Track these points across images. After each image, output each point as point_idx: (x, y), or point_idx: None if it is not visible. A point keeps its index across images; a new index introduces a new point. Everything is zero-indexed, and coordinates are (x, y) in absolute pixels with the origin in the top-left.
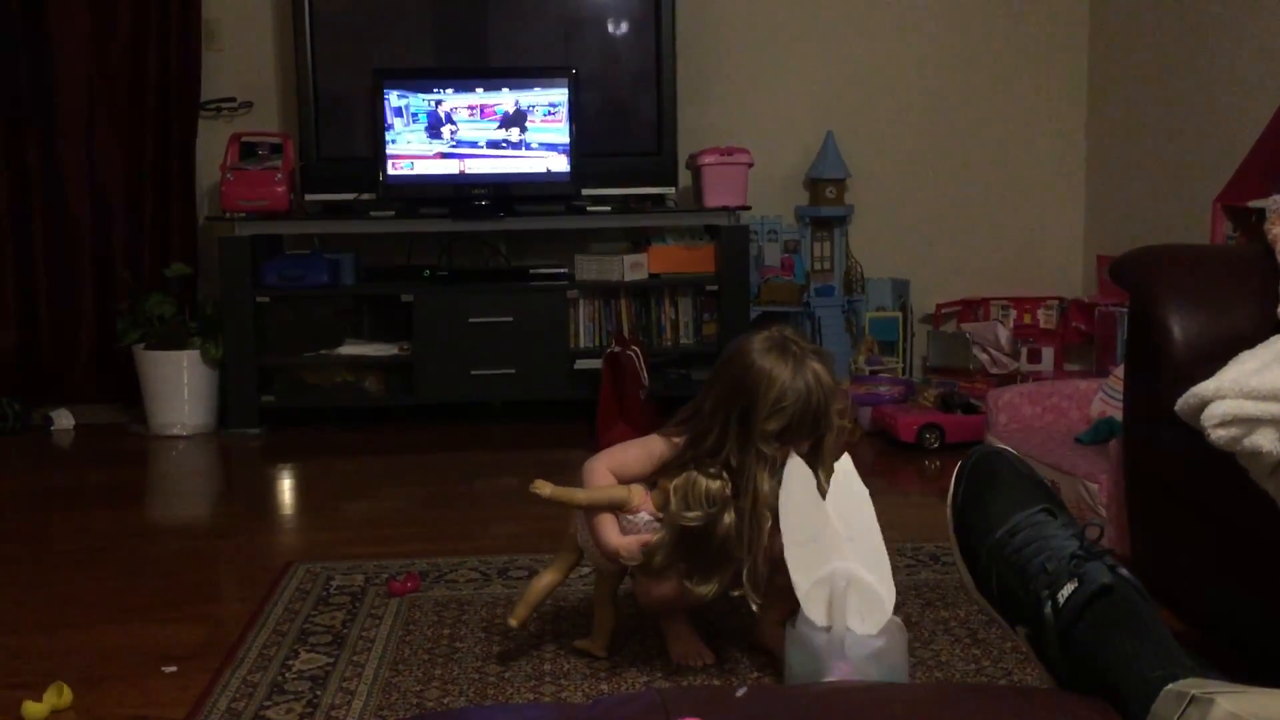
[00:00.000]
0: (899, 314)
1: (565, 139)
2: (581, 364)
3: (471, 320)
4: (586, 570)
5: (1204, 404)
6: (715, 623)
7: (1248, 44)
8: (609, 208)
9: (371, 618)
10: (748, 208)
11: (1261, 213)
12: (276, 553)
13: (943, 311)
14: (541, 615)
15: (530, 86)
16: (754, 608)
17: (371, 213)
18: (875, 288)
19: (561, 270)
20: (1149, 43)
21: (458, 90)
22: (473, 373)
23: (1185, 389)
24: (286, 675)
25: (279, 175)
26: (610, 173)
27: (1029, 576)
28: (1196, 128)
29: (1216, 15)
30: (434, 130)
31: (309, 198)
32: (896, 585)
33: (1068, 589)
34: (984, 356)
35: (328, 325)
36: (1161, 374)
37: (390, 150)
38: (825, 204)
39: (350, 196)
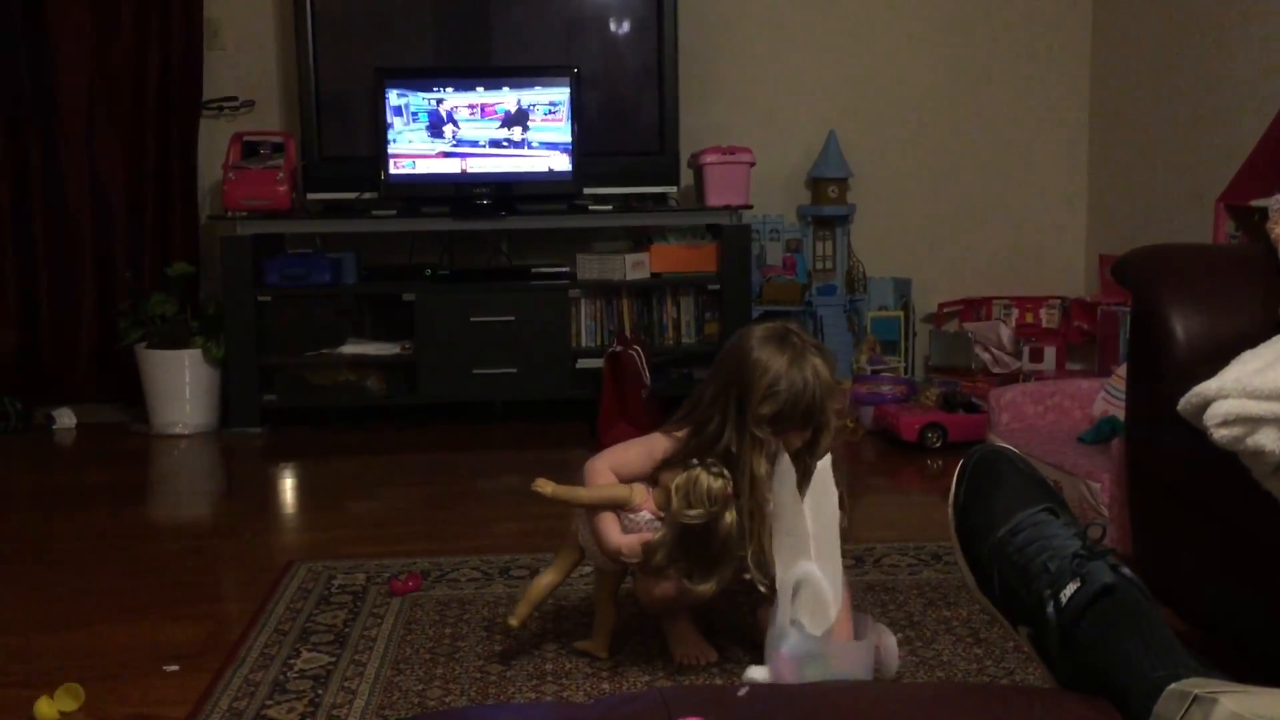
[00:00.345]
0: (901, 313)
1: (567, 138)
2: (583, 363)
3: (473, 319)
4: (587, 570)
5: (1206, 403)
6: (717, 622)
7: (1250, 43)
8: (611, 207)
9: (373, 617)
10: (750, 207)
11: (1264, 212)
12: (278, 552)
13: (945, 311)
14: (543, 615)
15: (532, 85)
16: (761, 589)
17: (373, 212)
18: (877, 287)
19: (563, 269)
20: (1151, 42)
21: (458, 89)
22: (474, 372)
23: (1188, 388)
24: (288, 674)
25: (281, 174)
26: (612, 172)
27: (1031, 576)
28: (1199, 127)
29: (1219, 14)
30: (435, 129)
31: (311, 197)
32: (899, 584)
33: (1070, 589)
34: (986, 356)
35: (329, 324)
36: (1164, 373)
37: (392, 149)
38: (827, 203)
39: (352, 196)
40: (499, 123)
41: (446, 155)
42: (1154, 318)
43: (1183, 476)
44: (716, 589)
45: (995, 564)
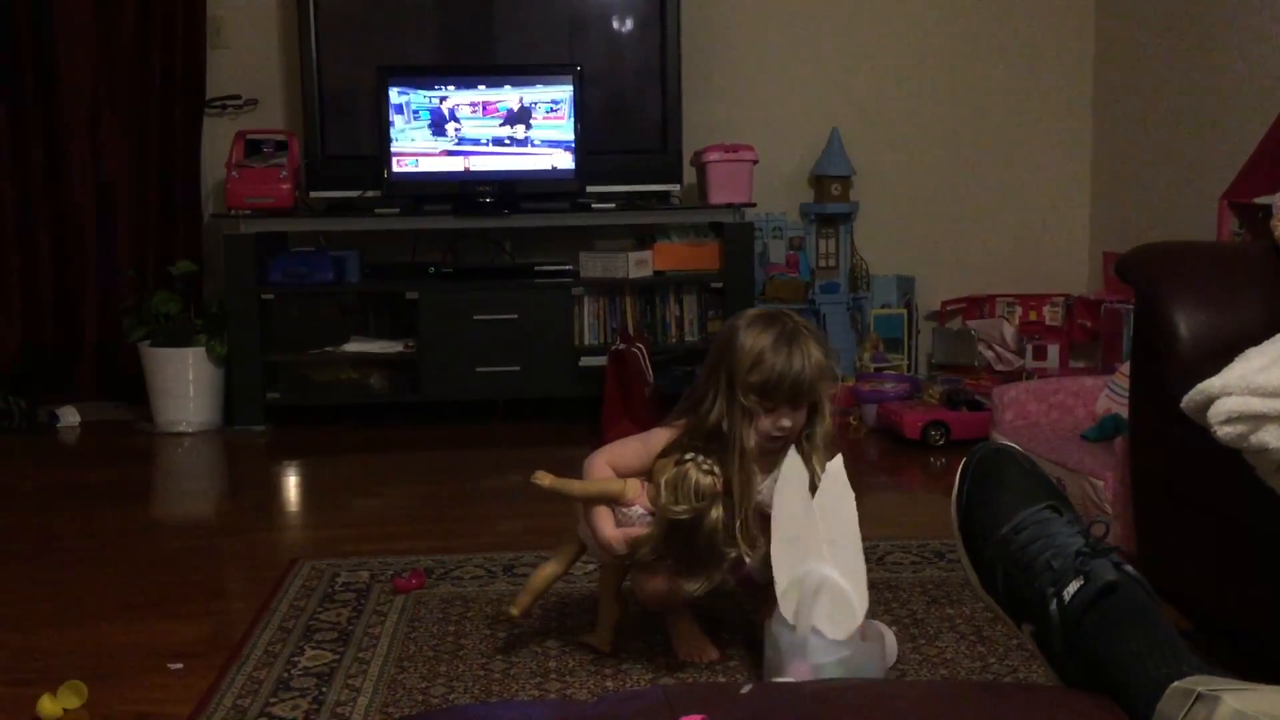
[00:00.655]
0: (904, 311)
1: (570, 136)
2: (586, 361)
3: (476, 317)
4: (591, 565)
5: (1210, 401)
6: (720, 620)
7: (1254, 41)
8: (614, 205)
9: (377, 614)
10: (753, 205)
11: (1268, 209)
12: (282, 549)
13: (948, 308)
14: (546, 611)
15: (534, 83)
16: (746, 560)
17: (376, 210)
18: (880, 285)
19: (566, 267)
20: (1155, 39)
21: (461, 87)
22: (478, 370)
23: (1191, 386)
24: (292, 672)
25: (284, 173)
26: (615, 170)
27: (1034, 574)
28: (1203, 124)
29: (1223, 11)
30: (438, 127)
31: (314, 195)
32: (902, 582)
33: (1073, 586)
34: (989, 353)
35: (333, 322)
36: (1167, 371)
37: (395, 148)
38: (830, 201)
39: (355, 194)
40: (501, 121)
41: (449, 153)
42: (1158, 315)
43: (1186, 474)
44: (706, 588)
45: (998, 562)
